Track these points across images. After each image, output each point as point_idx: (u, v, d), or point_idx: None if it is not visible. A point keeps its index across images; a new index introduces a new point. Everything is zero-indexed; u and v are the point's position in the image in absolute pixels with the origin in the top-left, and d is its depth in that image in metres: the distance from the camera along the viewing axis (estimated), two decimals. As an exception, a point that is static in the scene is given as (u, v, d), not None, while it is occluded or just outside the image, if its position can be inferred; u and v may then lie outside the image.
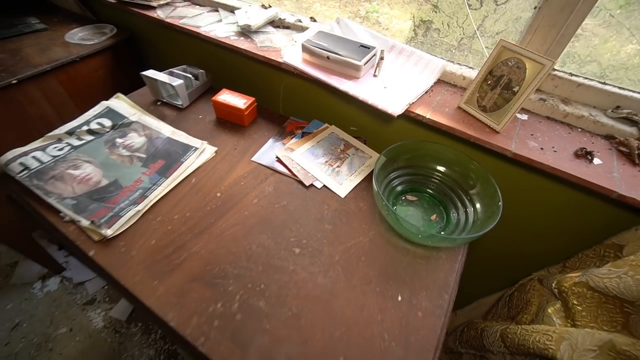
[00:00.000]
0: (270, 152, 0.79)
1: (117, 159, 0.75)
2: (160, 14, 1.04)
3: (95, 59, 1.20)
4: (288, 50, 0.84)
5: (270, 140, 0.83)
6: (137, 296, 0.54)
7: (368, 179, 0.75)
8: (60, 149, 0.76)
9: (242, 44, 0.88)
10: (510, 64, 0.62)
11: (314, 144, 0.81)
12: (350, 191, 0.72)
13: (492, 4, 0.69)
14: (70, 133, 0.80)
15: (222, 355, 0.48)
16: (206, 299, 0.54)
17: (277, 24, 0.96)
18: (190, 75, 0.91)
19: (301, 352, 0.49)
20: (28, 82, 1.04)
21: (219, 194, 0.70)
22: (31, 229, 1.31)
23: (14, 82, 1.00)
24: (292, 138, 0.83)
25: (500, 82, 0.64)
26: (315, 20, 0.94)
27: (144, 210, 0.65)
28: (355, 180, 0.74)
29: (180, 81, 0.86)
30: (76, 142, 0.78)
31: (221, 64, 1.01)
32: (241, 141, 0.83)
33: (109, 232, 0.60)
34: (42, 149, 0.76)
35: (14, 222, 1.19)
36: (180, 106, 0.91)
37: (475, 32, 0.74)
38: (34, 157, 0.73)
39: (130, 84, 1.38)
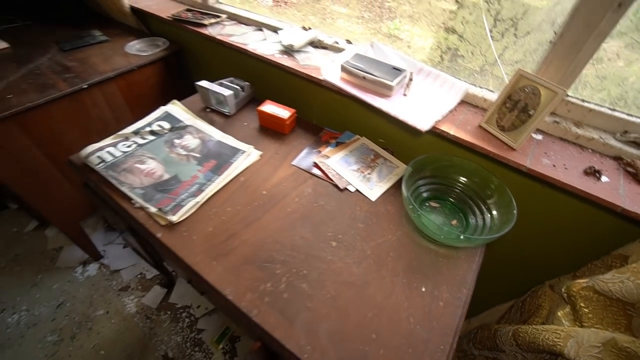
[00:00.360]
0: (308, 158, 0.90)
1: (176, 157, 0.87)
2: (211, 31, 1.18)
3: (149, 68, 1.34)
4: (327, 68, 0.95)
5: (308, 148, 0.93)
6: (199, 273, 0.63)
7: (395, 186, 0.84)
8: (129, 146, 0.88)
9: (286, 61, 1.00)
10: (527, 90, 0.71)
11: (347, 152, 0.91)
12: (380, 196, 0.81)
13: (512, 37, 0.79)
14: (135, 133, 0.92)
15: (272, 326, 0.57)
16: (257, 279, 0.63)
17: (316, 44, 1.08)
18: (237, 87, 1.03)
19: (339, 328, 0.57)
20: (94, 87, 1.18)
21: (264, 192, 0.80)
22: (80, 217, 1.44)
23: (85, 86, 1.14)
24: (327, 147, 0.93)
25: (517, 106, 0.72)
26: (350, 43, 1.06)
27: (202, 202, 0.76)
28: (384, 186, 0.83)
29: (231, 92, 0.98)
30: (141, 141, 0.90)
31: (264, 77, 1.13)
32: (282, 147, 0.93)
33: (174, 218, 0.71)
34: (114, 145, 0.88)
35: (68, 209, 1.32)
36: (228, 114, 1.03)
37: (496, 60, 0.83)
38: (108, 152, 0.85)
39: (176, 91, 1.52)
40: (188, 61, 1.48)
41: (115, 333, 1.34)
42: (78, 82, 1.15)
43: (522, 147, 0.74)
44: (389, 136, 0.96)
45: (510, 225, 0.63)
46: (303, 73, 0.95)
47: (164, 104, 1.44)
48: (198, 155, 0.88)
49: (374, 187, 0.82)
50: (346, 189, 0.82)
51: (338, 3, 1.17)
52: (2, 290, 1.44)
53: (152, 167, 0.83)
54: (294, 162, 0.88)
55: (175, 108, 1.02)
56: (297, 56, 1.02)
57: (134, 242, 1.03)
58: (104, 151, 0.85)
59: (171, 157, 0.86)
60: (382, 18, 1.16)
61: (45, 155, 1.17)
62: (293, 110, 0.96)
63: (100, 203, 0.86)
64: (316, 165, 0.87)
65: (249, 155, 0.88)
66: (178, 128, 0.96)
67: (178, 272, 1.37)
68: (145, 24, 1.51)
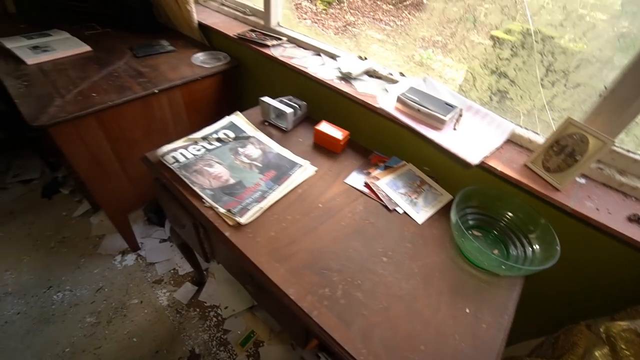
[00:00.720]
0: (359, 177, 0.97)
1: (240, 164, 0.96)
2: (274, 52, 1.29)
3: (209, 79, 1.46)
4: (383, 97, 1.04)
5: (358, 168, 1.01)
6: (264, 272, 0.71)
7: (440, 212, 0.90)
8: (198, 150, 0.98)
9: (344, 87, 1.09)
10: (575, 137, 0.77)
11: (395, 176, 0.98)
12: (426, 220, 0.87)
13: (562, 87, 0.85)
14: (204, 138, 1.02)
15: (331, 327, 0.63)
16: (316, 284, 0.70)
17: (370, 73, 1.17)
18: (296, 105, 1.12)
19: (390, 336, 0.63)
20: (162, 92, 1.31)
21: (320, 205, 0.87)
22: (128, 209, 1.55)
23: (156, 91, 1.27)
24: (376, 169, 1.00)
25: (564, 150, 0.78)
26: (403, 75, 1.15)
27: (265, 208, 0.84)
28: (430, 211, 0.89)
29: (291, 109, 1.08)
30: (209, 146, 1.00)
31: (319, 98, 1.23)
32: (334, 165, 1.01)
33: (242, 220, 0.79)
34: (185, 147, 0.98)
35: (120, 200, 1.43)
36: (285, 129, 1.12)
37: (545, 106, 0.89)
38: (181, 154, 0.95)
39: (228, 103, 1.65)
40: (243, 75, 1.60)
41: (147, 323, 1.41)
42: (150, 86, 1.27)
43: (567, 189, 0.79)
44: (434, 165, 1.02)
45: (553, 261, 0.68)
46: (359, 99, 1.04)
47: (217, 112, 1.56)
48: (260, 164, 0.97)
49: (420, 211, 0.89)
50: (395, 210, 0.88)
51: (374, 29, 1.27)
52: (50, 268, 1.55)
53: (219, 171, 0.92)
54: (346, 180, 0.96)
55: (238, 119, 1.12)
56: (354, 83, 1.11)
57: (184, 236, 1.12)
58: (178, 152, 0.95)
59: (236, 164, 0.95)
60: (416, 47, 1.25)
61: (112, 149, 1.28)
62: (347, 132, 1.05)
63: (169, 198, 0.95)
64: (367, 185, 0.94)
65: (305, 169, 0.97)
66: (241, 138, 1.05)
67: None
68: (207, 38, 1.65)
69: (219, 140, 1.03)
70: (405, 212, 0.88)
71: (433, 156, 1.01)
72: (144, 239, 1.71)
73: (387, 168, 1.01)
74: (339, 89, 1.09)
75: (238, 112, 1.15)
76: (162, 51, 1.51)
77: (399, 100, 0.98)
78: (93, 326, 1.38)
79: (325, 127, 1.06)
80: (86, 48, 1.45)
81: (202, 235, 0.94)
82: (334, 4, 1.59)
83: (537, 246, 0.77)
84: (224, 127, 1.08)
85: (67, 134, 1.12)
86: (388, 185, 0.94)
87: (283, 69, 1.31)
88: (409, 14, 1.33)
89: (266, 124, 1.16)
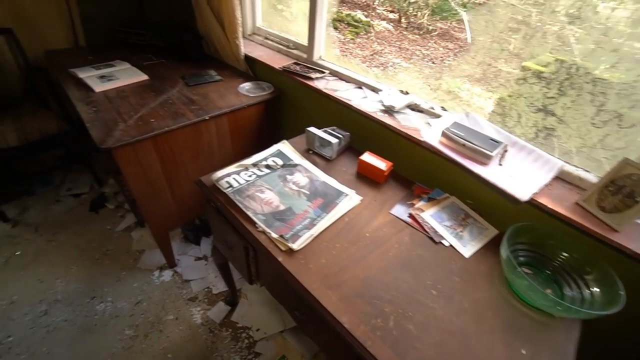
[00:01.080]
0: (403, 208, 0.99)
1: (289, 191, 1.00)
2: (317, 84, 1.37)
3: (253, 108, 1.56)
4: (426, 131, 1.07)
5: (401, 199, 1.03)
6: (317, 298, 0.73)
7: (486, 247, 0.90)
8: (250, 176, 1.04)
9: (387, 119, 1.14)
10: (633, 178, 0.76)
11: (439, 209, 0.99)
12: (473, 254, 0.87)
13: (615, 126, 0.86)
14: (254, 165, 1.08)
15: (386, 359, 0.63)
16: (368, 313, 0.71)
17: (412, 107, 1.22)
18: (340, 135, 1.17)
19: (445, 373, 0.63)
20: (211, 119, 1.40)
21: (367, 234, 0.89)
22: (170, 227, 1.63)
23: (207, 118, 1.36)
24: (419, 200, 1.02)
25: (622, 191, 0.78)
26: (445, 110, 1.18)
27: (315, 235, 0.87)
28: (476, 245, 0.89)
29: (336, 139, 1.13)
30: (259, 172, 1.06)
31: (362, 129, 1.28)
32: (378, 195, 1.04)
33: (294, 246, 0.82)
34: (237, 173, 1.04)
35: (164, 217, 1.51)
36: (329, 158, 1.17)
37: (595, 144, 0.90)
38: (234, 179, 1.01)
39: (269, 130, 1.74)
40: (284, 105, 1.69)
41: (182, 339, 1.44)
42: (202, 113, 1.37)
43: (626, 230, 0.77)
44: (478, 199, 1.03)
45: (617, 307, 0.66)
46: (403, 132, 1.08)
47: (259, 138, 1.63)
48: (307, 192, 1.01)
49: (467, 245, 0.89)
50: (440, 242, 0.89)
51: (400, 57, 1.32)
52: (95, 279, 1.63)
53: (270, 197, 0.97)
54: (391, 211, 0.98)
55: (285, 147, 1.18)
56: (397, 116, 1.15)
57: (230, 258, 1.16)
58: (231, 177, 1.01)
59: (285, 191, 1.00)
60: (442, 75, 1.29)
61: (163, 170, 1.37)
62: (390, 164, 1.08)
63: (220, 220, 1.00)
64: (412, 216, 0.96)
65: (351, 198, 1.00)
66: (289, 165, 1.11)
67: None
68: (252, 69, 1.77)
69: (268, 167, 1.09)
70: (451, 245, 0.89)
71: (477, 190, 1.02)
72: (181, 256, 1.78)
73: (431, 200, 1.03)
74: (382, 121, 1.13)
75: (285, 141, 1.21)
76: (210, 80, 1.63)
77: (444, 134, 1.00)
78: (131, 339, 1.42)
79: (369, 157, 1.10)
80: (144, 77, 1.59)
81: (250, 258, 0.98)
82: (361, 33, 1.68)
83: (596, 289, 0.75)
84: (272, 155, 1.14)
85: (127, 156, 1.22)
86: (433, 217, 0.96)
87: (326, 100, 1.38)
88: (435, 43, 1.39)
89: (310, 152, 1.21)
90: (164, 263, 1.73)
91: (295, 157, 1.14)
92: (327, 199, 0.99)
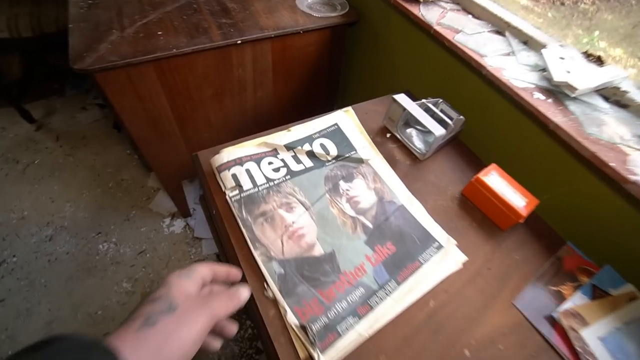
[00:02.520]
0: (541, 300, 0.52)
1: (338, 215, 0.56)
2: (425, 14, 0.79)
3: (313, 34, 1.02)
4: (637, 154, 0.52)
5: (537, 275, 0.55)
6: None
7: None
8: (276, 169, 0.60)
9: (551, 111, 0.58)
10: None
11: (620, 323, 0.50)
12: None
13: None
14: (289, 148, 0.63)
15: None
16: None
17: (609, 95, 0.62)
18: (448, 120, 0.65)
19: None
20: (247, 44, 0.92)
21: (467, 352, 0.46)
22: (184, 177, 1.31)
23: (239, 42, 0.89)
24: (574, 289, 0.53)
25: None
26: (683, 113, 0.58)
27: (367, 337, 0.45)
28: None
29: (442, 130, 0.62)
30: (293, 165, 0.61)
31: (489, 114, 0.73)
32: (496, 256, 0.56)
33: (322, 358, 0.42)
34: (257, 159, 0.61)
35: (175, 166, 1.18)
36: (419, 156, 0.67)
37: None
38: (247, 171, 0.58)
39: (331, 77, 1.21)
40: (362, 39, 1.12)
41: (181, 311, 1.23)
42: (234, 34, 0.89)
43: None
44: None
45: None
46: (587, 151, 0.53)
47: (314, 85, 1.14)
48: (370, 224, 0.56)
49: None
50: (618, 414, 0.43)
51: None
52: (104, 212, 1.44)
53: (302, 223, 0.54)
54: (517, 302, 0.51)
55: (348, 120, 0.70)
56: (573, 108, 0.59)
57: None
58: (243, 167, 0.59)
59: (331, 213, 0.56)
60: (571, 22, 0.67)
61: (172, 108, 0.98)
62: (535, 201, 0.57)
63: (215, 233, 0.61)
64: (557, 327, 0.49)
65: (446, 255, 0.54)
66: (347, 159, 0.64)
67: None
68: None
69: (311, 155, 0.63)
70: None
71: None
72: (197, 205, 1.50)
73: (597, 291, 0.53)
74: (541, 113, 0.58)
75: (350, 109, 0.72)
76: (260, -20, 1.09)
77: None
78: (127, 295, 1.24)
79: (496, 180, 0.59)
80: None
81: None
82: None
83: None
84: (323, 133, 0.67)
85: (117, 84, 0.83)
86: (608, 343, 0.48)
87: (433, 46, 0.81)
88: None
89: (388, 135, 0.72)
90: (177, 211, 1.47)
91: (363, 145, 0.67)
92: (402, 249, 0.54)
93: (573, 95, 0.59)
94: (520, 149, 0.70)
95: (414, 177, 0.64)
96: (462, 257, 0.54)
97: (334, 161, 0.63)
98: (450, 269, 0.53)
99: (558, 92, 0.61)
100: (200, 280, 0.33)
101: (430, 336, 0.46)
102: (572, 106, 0.59)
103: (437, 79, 0.87)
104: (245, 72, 1.01)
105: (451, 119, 0.66)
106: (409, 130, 0.71)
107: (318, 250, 0.52)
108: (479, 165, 0.66)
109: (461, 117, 0.67)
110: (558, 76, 0.60)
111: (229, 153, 0.60)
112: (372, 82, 1.15)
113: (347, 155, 0.64)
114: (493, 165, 0.61)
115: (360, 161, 0.64)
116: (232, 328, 0.34)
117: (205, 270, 0.34)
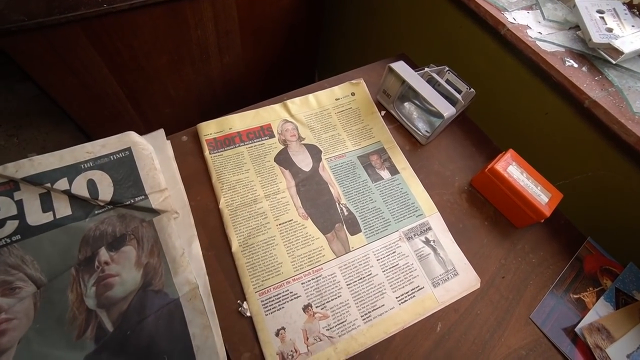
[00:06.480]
0: (561, 311, 0.45)
1: (73, 305, 0.36)
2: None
3: (287, -18, 0.84)
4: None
5: (556, 281, 0.47)
6: None
7: None
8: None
9: (589, 87, 0.46)
10: None
11: (649, 335, 0.44)
12: None
13: None
14: (35, 182, 0.41)
15: None
16: None
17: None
18: (457, 95, 0.53)
19: None
20: (205, -2, 0.73)
21: (483, 384, 0.39)
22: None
23: (191, -6, 0.70)
24: (596, 295, 0.47)
25: None
26: None
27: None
28: None
29: (452, 110, 0.50)
30: (34, 214, 0.39)
31: (505, 84, 0.61)
32: (511, 261, 0.48)
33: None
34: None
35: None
36: (421, 139, 0.56)
37: None
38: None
39: (310, 36, 1.03)
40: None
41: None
42: (185, -19, 0.70)
43: None
44: None
45: None
46: (627, 129, 0.43)
47: (287, 47, 0.99)
48: (109, 325, 0.36)
49: None
50: None
51: None
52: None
53: (15, 314, 0.35)
54: (535, 317, 0.44)
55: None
56: (616, 78, 0.47)
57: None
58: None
59: (63, 301, 0.37)
60: None
61: (119, 82, 0.80)
62: (559, 195, 0.48)
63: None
64: (579, 343, 0.43)
65: (464, 277, 0.45)
66: (132, 207, 0.42)
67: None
68: None
69: (73, 197, 0.41)
70: None
71: None
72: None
73: (622, 297, 0.47)
74: (574, 83, 0.46)
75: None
76: None
77: None
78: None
79: (514, 171, 0.49)
80: None
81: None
82: None
83: None
84: (101, 161, 0.45)
85: (34, 53, 0.65)
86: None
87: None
88: None
89: (383, 114, 0.59)
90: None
91: (160, 183, 0.44)
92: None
93: (615, 62, 0.48)
94: (542, 130, 0.59)
95: (415, 167, 0.54)
96: (474, 277, 0.45)
97: (107, 208, 0.41)
98: (464, 288, 0.44)
99: (595, 58, 0.49)
100: None
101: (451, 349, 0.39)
102: (614, 76, 0.48)
103: (440, 41, 0.72)
104: (205, 33, 0.83)
105: (459, 92, 0.54)
106: (407, 105, 0.59)
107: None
108: (490, 147, 0.56)
109: (471, 89, 0.55)
110: (597, 36, 0.48)
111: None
112: (360, 44, 0.98)
113: (130, 201, 0.41)
114: (510, 152, 0.50)
115: (152, 212, 0.41)
116: None
117: None
